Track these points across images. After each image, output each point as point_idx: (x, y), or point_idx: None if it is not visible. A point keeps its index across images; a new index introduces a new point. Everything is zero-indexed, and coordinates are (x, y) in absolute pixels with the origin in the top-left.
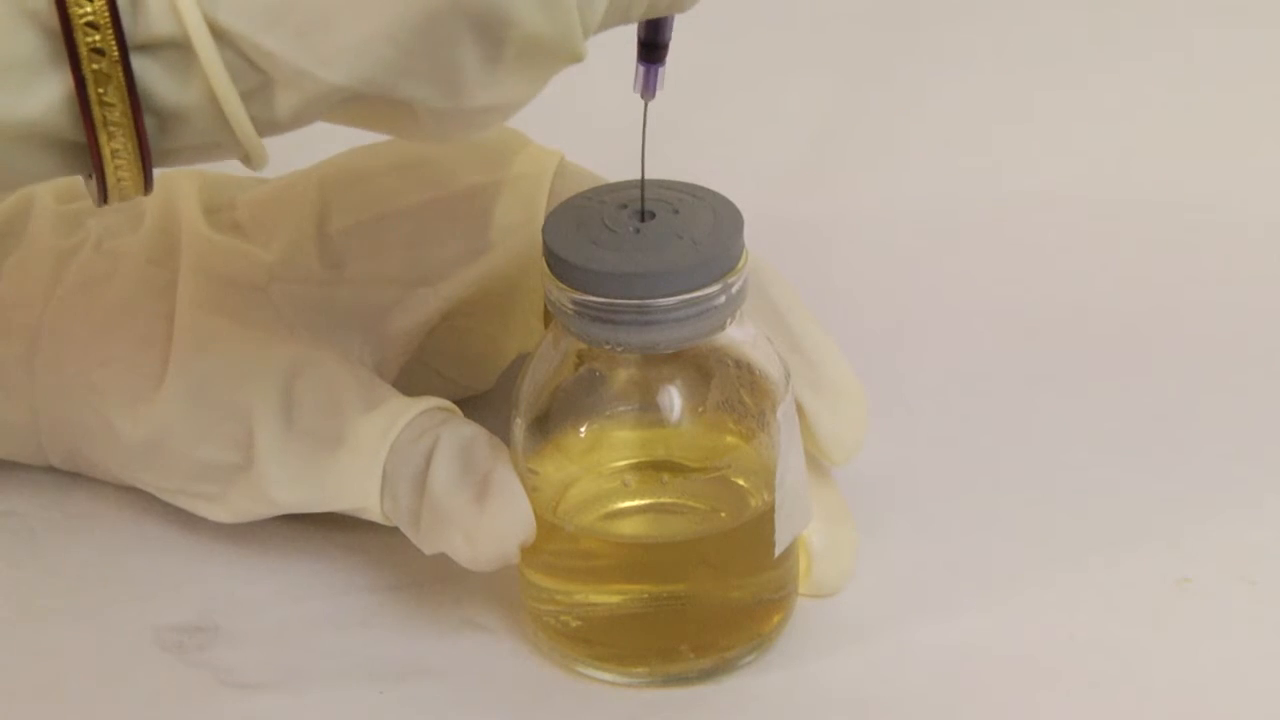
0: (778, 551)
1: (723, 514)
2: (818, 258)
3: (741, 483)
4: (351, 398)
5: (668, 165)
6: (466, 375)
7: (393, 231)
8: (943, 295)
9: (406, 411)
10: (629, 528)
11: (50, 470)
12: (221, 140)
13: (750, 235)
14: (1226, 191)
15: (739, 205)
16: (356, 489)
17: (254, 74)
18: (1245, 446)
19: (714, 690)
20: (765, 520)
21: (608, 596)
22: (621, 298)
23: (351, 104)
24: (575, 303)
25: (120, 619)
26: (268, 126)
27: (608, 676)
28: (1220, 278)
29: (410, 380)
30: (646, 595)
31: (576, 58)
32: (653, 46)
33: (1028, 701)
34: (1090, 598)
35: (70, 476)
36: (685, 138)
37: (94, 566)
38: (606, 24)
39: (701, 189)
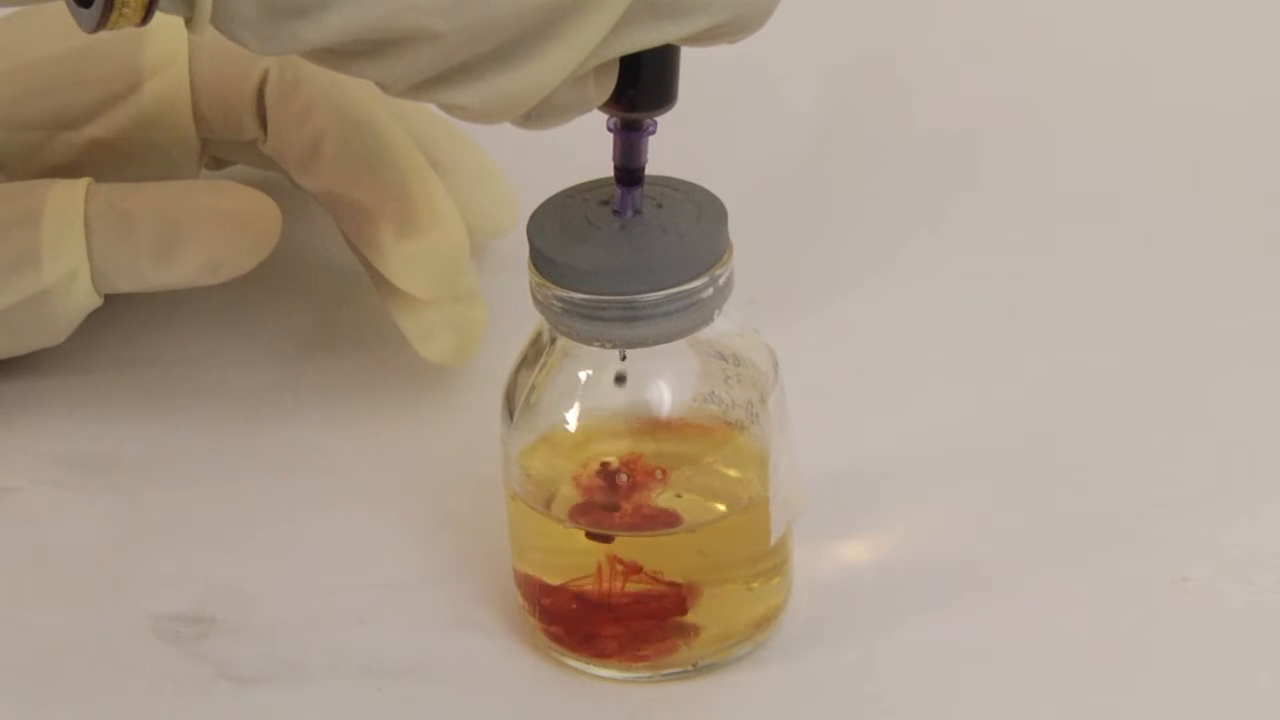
0: (773, 540)
1: (717, 505)
2: (816, 256)
3: (734, 474)
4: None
5: (665, 164)
6: None
7: (36, 79)
8: (942, 294)
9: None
10: (623, 522)
11: (50, 452)
12: None
13: (749, 234)
14: (1227, 190)
15: (735, 203)
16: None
17: None
18: (1244, 446)
19: (712, 685)
20: (759, 510)
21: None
22: (608, 294)
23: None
24: (561, 300)
25: (117, 606)
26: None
27: (605, 673)
28: (1220, 276)
29: None
30: (642, 590)
31: None
32: (628, 171)
33: (1025, 700)
34: (1089, 597)
35: (70, 459)
36: (680, 136)
37: (92, 553)
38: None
39: (683, 182)
